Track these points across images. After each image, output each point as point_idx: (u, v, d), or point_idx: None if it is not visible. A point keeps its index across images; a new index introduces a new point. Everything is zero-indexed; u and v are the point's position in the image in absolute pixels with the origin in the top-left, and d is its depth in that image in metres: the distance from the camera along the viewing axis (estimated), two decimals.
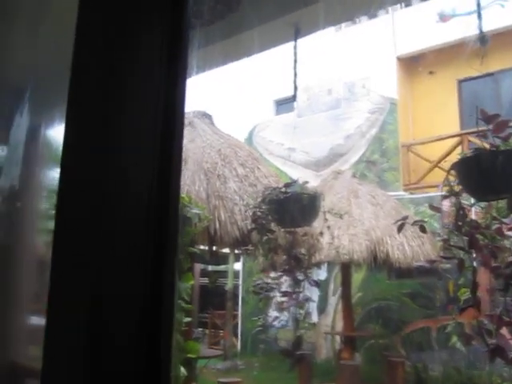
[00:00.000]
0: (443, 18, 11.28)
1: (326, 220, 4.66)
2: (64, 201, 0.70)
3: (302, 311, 4.44)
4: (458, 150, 9.79)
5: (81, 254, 0.66)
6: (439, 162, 10.28)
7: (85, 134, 0.70)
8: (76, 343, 0.64)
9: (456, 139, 10.26)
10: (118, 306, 0.66)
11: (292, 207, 4.10)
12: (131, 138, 0.71)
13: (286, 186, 4.57)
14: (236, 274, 13.89)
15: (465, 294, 3.15)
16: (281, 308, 4.43)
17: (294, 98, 3.96)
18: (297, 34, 3.60)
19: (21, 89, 2.42)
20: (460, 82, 11.16)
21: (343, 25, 13.18)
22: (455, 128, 10.74)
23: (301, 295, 4.25)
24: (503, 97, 8.99)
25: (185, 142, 6.79)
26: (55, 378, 0.65)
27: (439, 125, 10.76)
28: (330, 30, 12.59)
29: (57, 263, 0.68)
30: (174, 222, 0.71)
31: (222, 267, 14.95)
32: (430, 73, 11.43)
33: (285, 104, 13.97)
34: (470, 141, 9.65)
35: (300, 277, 4.15)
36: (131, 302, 0.66)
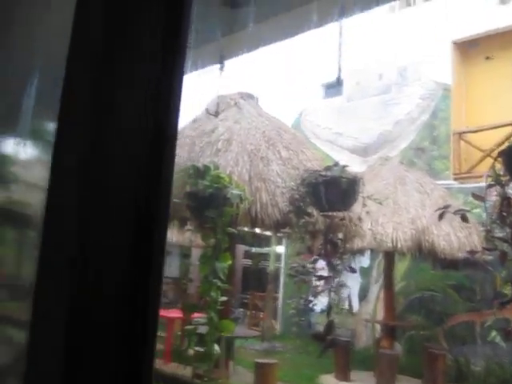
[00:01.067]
0: (504, 0, 10.78)
1: (364, 205, 4.57)
2: (58, 152, 0.70)
3: (336, 296, 4.40)
4: None
5: (70, 204, 0.67)
6: (492, 151, 9.89)
7: (77, 130, 0.70)
8: (63, 293, 0.64)
9: (511, 128, 9.84)
10: (105, 256, 0.66)
11: (330, 191, 4.04)
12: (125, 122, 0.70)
13: (326, 169, 4.50)
14: (278, 257, 13.93)
15: (508, 289, 3.03)
16: (315, 292, 4.41)
17: (338, 80, 3.88)
18: (341, 12, 3.51)
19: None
20: None
21: (397, 6, 12.82)
22: (511, 117, 10.30)
23: (335, 280, 4.21)
24: None
25: (230, 123, 6.81)
26: (42, 327, 0.66)
27: (494, 113, 10.34)
28: (383, 11, 12.27)
29: (47, 214, 0.68)
30: (167, 180, 0.71)
31: (265, 249, 15.02)
32: (487, 58, 10.96)
33: (333, 88, 13.75)
34: None
35: (336, 262, 4.11)
36: (119, 252, 0.67)
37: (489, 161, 9.84)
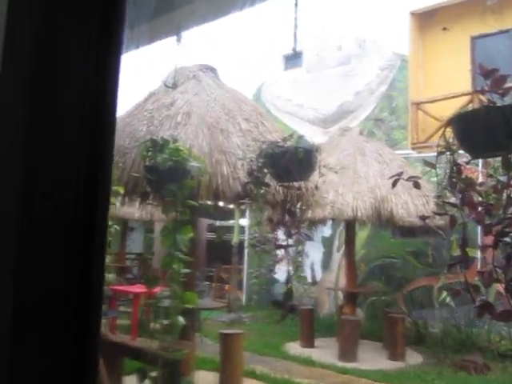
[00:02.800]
0: None
1: (321, 175, 4.64)
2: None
3: (295, 265, 4.49)
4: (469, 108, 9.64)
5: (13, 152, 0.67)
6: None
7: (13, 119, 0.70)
8: (7, 238, 0.66)
9: (467, 98, 10.07)
10: (49, 203, 0.67)
11: (287, 161, 4.08)
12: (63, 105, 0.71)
13: (284, 140, 4.54)
14: (242, 230, 14.02)
15: (457, 251, 3.16)
16: (275, 261, 4.49)
17: (294, 51, 3.89)
18: None
19: None
20: (474, 38, 10.87)
21: None
22: (467, 87, 10.51)
23: (293, 249, 4.30)
24: None
25: (189, 95, 6.74)
26: None
27: (451, 83, 10.54)
28: None
29: None
30: (107, 168, 0.72)
31: (229, 223, 15.08)
32: (444, 29, 11.12)
33: (294, 60, 13.73)
34: (480, 100, 9.48)
35: (293, 231, 4.18)
36: (64, 199, 0.68)
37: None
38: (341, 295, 11.07)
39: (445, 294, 9.54)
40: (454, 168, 2.78)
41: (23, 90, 0.68)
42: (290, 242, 4.22)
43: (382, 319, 9.10)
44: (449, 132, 3.03)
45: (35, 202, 0.67)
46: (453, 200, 2.97)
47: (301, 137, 4.49)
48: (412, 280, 10.44)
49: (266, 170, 4.43)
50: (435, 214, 2.90)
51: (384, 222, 8.82)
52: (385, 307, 9.97)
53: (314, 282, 12.15)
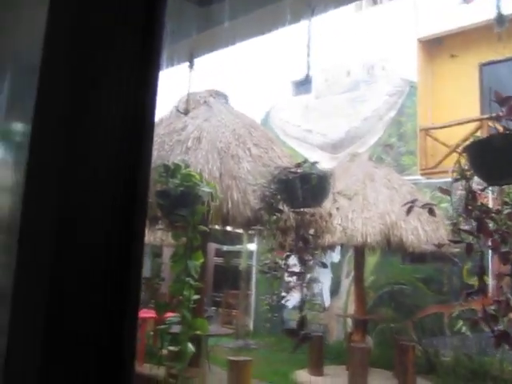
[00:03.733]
0: None
1: (334, 201, 4.63)
2: (36, 136, 0.69)
3: (308, 292, 4.45)
4: (478, 134, 9.63)
5: (48, 208, 0.67)
6: (457, 146, 10.11)
7: (51, 133, 0.69)
8: (40, 298, 0.65)
9: (475, 124, 10.08)
10: (86, 230, 0.66)
11: (300, 187, 4.07)
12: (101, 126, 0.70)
13: (297, 166, 4.54)
14: (250, 255, 13.96)
15: (473, 280, 3.12)
16: (287, 288, 4.44)
17: (307, 77, 3.92)
18: (312, 11, 3.54)
19: None
20: (482, 65, 10.93)
21: (363, 5, 12.97)
22: (475, 113, 10.53)
23: (307, 276, 4.25)
24: None
25: (199, 121, 6.79)
26: (22, 301, 0.66)
27: (459, 109, 10.57)
28: (350, 10, 12.41)
29: (26, 193, 0.68)
30: (145, 181, 0.71)
31: (236, 247, 15.03)
32: (452, 56, 11.20)
33: (302, 85, 13.84)
34: (489, 126, 9.48)
35: (307, 258, 4.15)
36: (98, 252, 0.67)
37: (454, 156, 10.06)
38: (350, 322, 10.93)
39: (461, 322, 9.39)
40: (470, 195, 2.76)
41: (63, 105, 0.68)
42: (299, 268, 4.19)
43: (392, 347, 8.96)
44: (463, 159, 3.02)
45: (70, 228, 0.66)
46: (467, 227, 2.94)
47: (314, 163, 4.49)
48: (422, 307, 10.31)
49: (279, 196, 4.42)
50: (451, 241, 2.87)
51: (394, 248, 8.74)
52: (394, 334, 9.83)
53: (323, 309, 12.02)
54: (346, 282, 11.82)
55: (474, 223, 2.76)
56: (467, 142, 3.49)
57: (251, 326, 13.50)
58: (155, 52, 0.74)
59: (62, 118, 0.67)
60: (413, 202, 2.93)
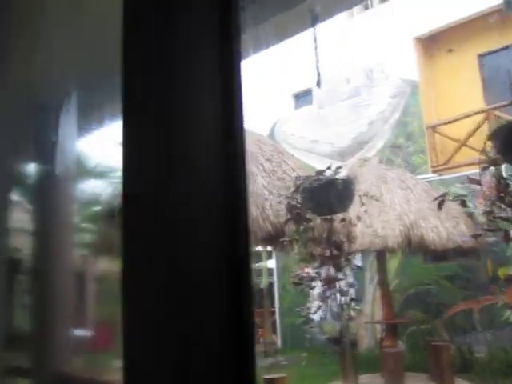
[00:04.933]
0: None
1: (362, 204, 4.59)
2: (128, 179, 0.68)
3: (346, 298, 4.38)
4: (485, 126, 9.59)
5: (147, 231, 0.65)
6: (466, 140, 10.09)
7: (144, 138, 0.68)
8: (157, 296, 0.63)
9: (481, 115, 10.05)
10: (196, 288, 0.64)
11: (327, 193, 4.04)
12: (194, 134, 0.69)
13: (319, 173, 4.52)
14: (270, 272, 13.86)
15: (504, 273, 3.07)
16: (323, 297, 4.37)
17: (318, 84, 3.91)
18: (315, 20, 3.54)
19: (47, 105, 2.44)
20: (480, 56, 10.94)
21: (355, 12, 13.05)
22: (479, 104, 10.52)
23: (344, 282, 4.19)
24: None
25: None
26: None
27: (463, 102, 10.56)
28: (342, 17, 12.47)
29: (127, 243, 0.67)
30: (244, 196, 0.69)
31: (256, 265, 14.93)
32: (449, 50, 11.23)
33: (303, 97, 13.89)
34: (496, 115, 9.44)
35: (342, 264, 4.09)
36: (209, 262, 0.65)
37: (464, 150, 10.03)
38: (378, 327, 10.79)
39: (508, 312, 9.10)
40: (502, 181, 2.72)
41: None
42: (334, 274, 4.13)
43: (425, 349, 8.81)
44: (488, 146, 2.99)
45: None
46: (503, 215, 2.90)
47: (338, 167, 4.46)
48: (450, 305, 10.16)
49: (305, 206, 4.39)
50: (487, 230, 2.83)
51: (414, 248, 8.66)
52: (426, 336, 9.68)
53: (350, 317, 11.88)
54: (371, 288, 11.69)
55: (509, 209, 2.72)
56: (478, 135, 3.46)
57: (279, 343, 13.36)
58: (236, 56, 0.72)
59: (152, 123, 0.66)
60: (443, 195, 2.89)
